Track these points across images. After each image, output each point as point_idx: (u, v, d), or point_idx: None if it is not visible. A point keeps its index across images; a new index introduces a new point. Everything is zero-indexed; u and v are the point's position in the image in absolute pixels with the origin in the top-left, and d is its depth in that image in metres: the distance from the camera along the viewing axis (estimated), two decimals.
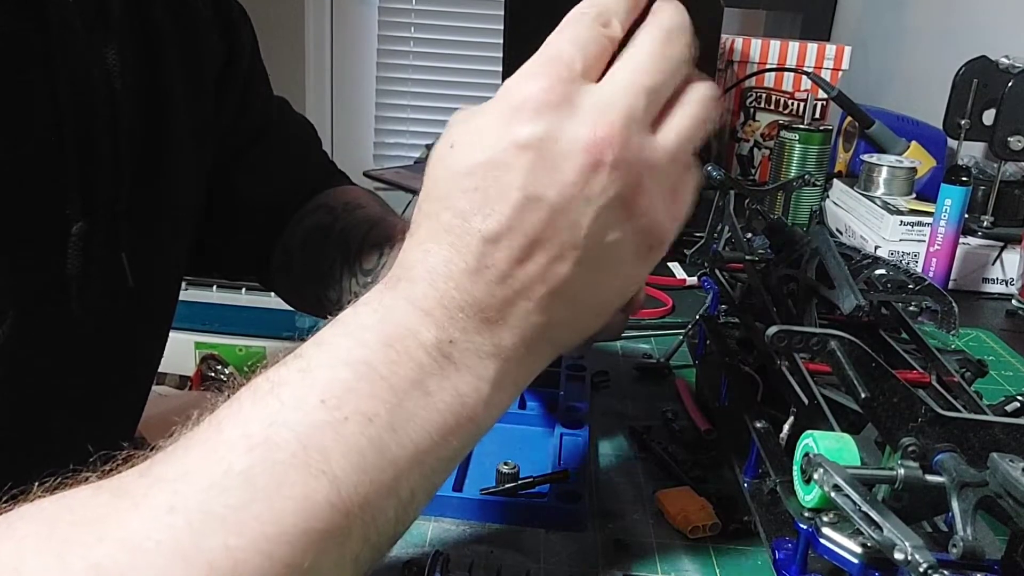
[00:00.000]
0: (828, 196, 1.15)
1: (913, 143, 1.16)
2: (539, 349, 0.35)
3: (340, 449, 0.31)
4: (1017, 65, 0.95)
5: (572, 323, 0.36)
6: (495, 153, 0.32)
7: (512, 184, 0.32)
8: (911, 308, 0.57)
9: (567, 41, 0.34)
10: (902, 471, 0.37)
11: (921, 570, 0.31)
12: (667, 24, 0.36)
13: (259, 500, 0.29)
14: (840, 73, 1.32)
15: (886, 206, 1.00)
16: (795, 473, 0.39)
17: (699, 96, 0.36)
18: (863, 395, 0.38)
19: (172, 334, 0.68)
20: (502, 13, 1.35)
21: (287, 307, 0.81)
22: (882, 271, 0.58)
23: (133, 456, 0.32)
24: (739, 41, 1.34)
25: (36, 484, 0.31)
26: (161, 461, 0.31)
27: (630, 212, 0.34)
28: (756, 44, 1.34)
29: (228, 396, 0.33)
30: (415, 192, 1.20)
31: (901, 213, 0.97)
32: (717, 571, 0.47)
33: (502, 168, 0.32)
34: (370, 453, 0.31)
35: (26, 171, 0.47)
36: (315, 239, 0.72)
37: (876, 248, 0.97)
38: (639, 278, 0.37)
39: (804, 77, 1.28)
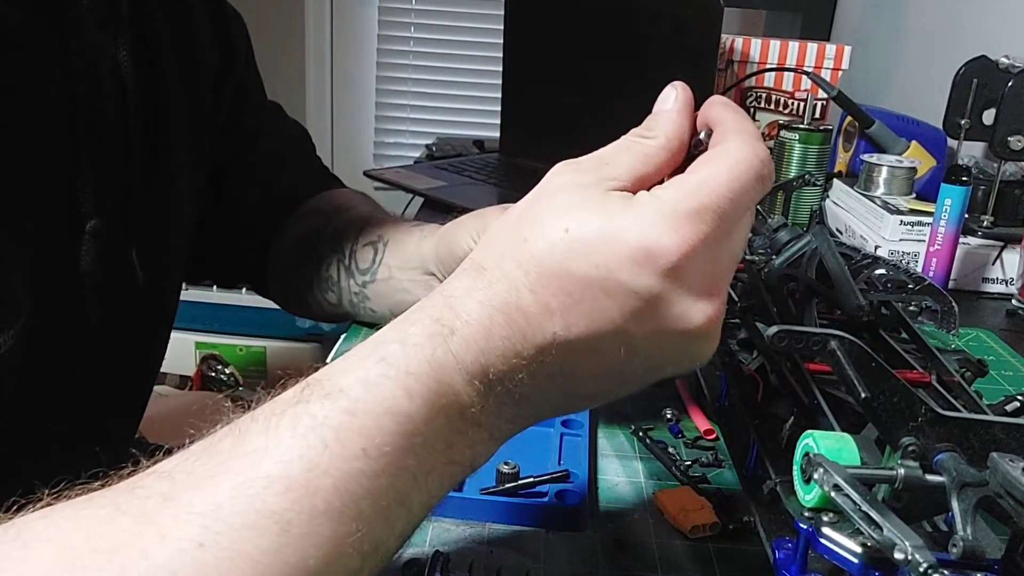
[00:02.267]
0: (828, 196, 1.15)
1: (913, 143, 1.16)
2: (550, 416, 0.38)
3: (371, 500, 0.31)
4: (1017, 65, 0.95)
5: (587, 408, 0.40)
6: (607, 279, 0.33)
7: (608, 315, 0.33)
8: (911, 308, 0.56)
9: (731, 195, 0.34)
10: (902, 471, 0.37)
11: (921, 570, 0.31)
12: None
13: (291, 545, 0.29)
14: (840, 73, 1.32)
15: (886, 206, 1.00)
16: (795, 473, 0.39)
17: None
18: (863, 395, 0.38)
19: (172, 334, 0.68)
20: (502, 13, 1.35)
21: None
22: (882, 271, 0.58)
23: (140, 467, 0.31)
24: (739, 41, 1.34)
25: (46, 492, 0.30)
26: (186, 486, 0.30)
27: (701, 358, 0.36)
28: (756, 44, 1.34)
29: (253, 408, 0.32)
30: (415, 192, 1.21)
31: (901, 213, 0.97)
32: (717, 571, 0.47)
33: (607, 295, 0.33)
34: (394, 503, 0.32)
35: (43, 169, 0.48)
36: (308, 244, 0.72)
37: (876, 248, 0.97)
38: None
39: (804, 77, 1.28)
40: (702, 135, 0.38)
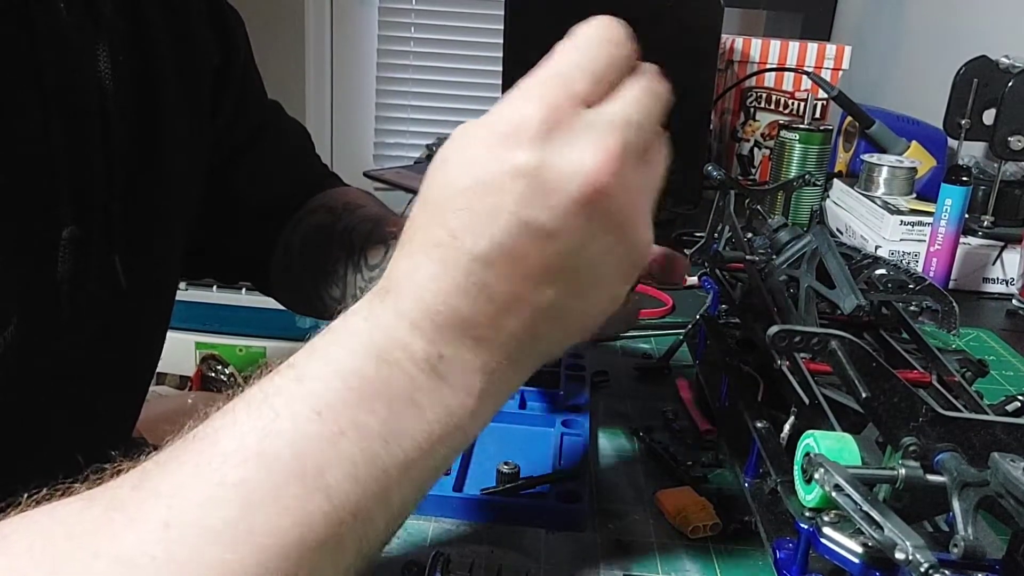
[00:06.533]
0: (828, 196, 1.15)
1: (913, 143, 1.16)
2: (523, 363, 0.36)
3: (335, 462, 0.31)
4: (1017, 65, 0.95)
5: (556, 339, 0.37)
6: (489, 175, 0.32)
7: (504, 207, 0.32)
8: (911, 308, 0.56)
9: (571, 61, 0.34)
10: (903, 471, 0.37)
11: (922, 570, 0.31)
12: (654, 68, 0.36)
13: (255, 513, 0.29)
14: (840, 73, 1.32)
15: (886, 206, 1.00)
16: (796, 473, 0.39)
17: (664, 140, 0.37)
18: (864, 395, 0.38)
19: (172, 334, 0.68)
20: (502, 13, 1.35)
21: None
22: (882, 271, 0.58)
23: (122, 467, 0.32)
24: (739, 41, 1.34)
25: (25, 496, 0.31)
26: (154, 474, 0.31)
27: (622, 238, 0.34)
28: (756, 44, 1.34)
29: (220, 406, 0.33)
30: (415, 192, 1.20)
31: (901, 213, 0.97)
32: (717, 571, 0.47)
33: (495, 190, 0.32)
34: (363, 466, 0.31)
35: (14, 175, 0.47)
36: (316, 239, 0.72)
37: (876, 248, 0.97)
38: (622, 294, 0.38)
39: (804, 77, 1.28)
40: None
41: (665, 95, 0.36)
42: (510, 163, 0.32)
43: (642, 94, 0.35)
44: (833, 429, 0.41)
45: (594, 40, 0.35)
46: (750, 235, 0.66)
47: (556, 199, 0.32)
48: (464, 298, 0.33)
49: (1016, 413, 0.48)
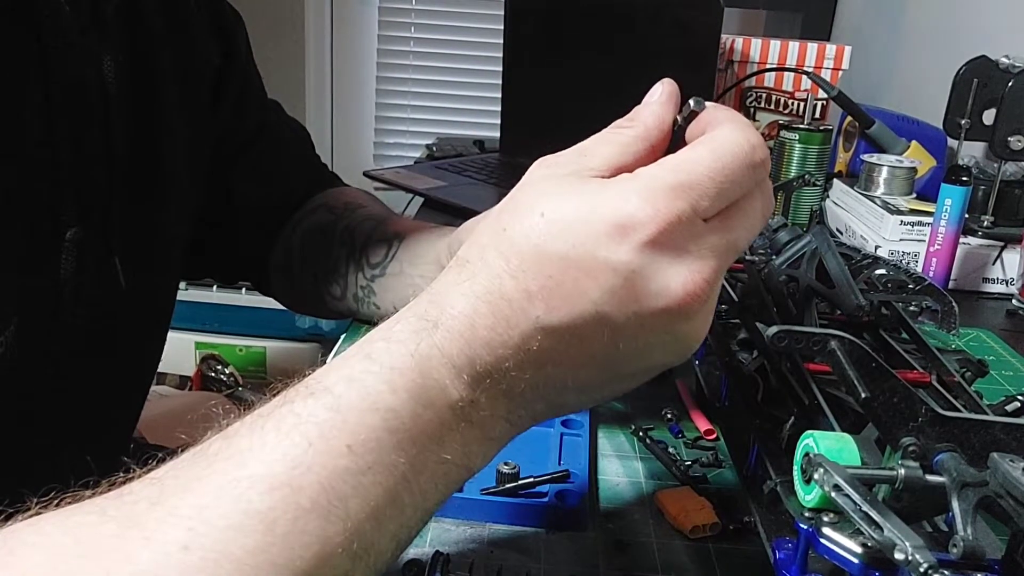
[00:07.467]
0: (828, 196, 1.15)
1: (913, 143, 1.16)
2: (544, 416, 0.37)
3: (358, 498, 0.31)
4: (1017, 65, 0.95)
5: (586, 401, 0.38)
6: (584, 257, 0.32)
7: (588, 294, 0.32)
8: (911, 308, 0.56)
9: (706, 175, 0.33)
10: (902, 471, 0.37)
11: (922, 570, 0.31)
12: (769, 191, 0.36)
13: (277, 544, 0.29)
14: (840, 73, 1.32)
15: (886, 206, 1.00)
16: (795, 473, 0.39)
17: None
18: (863, 395, 0.38)
19: (172, 334, 0.68)
20: (502, 13, 1.35)
21: None
22: (882, 271, 0.58)
23: (132, 475, 0.31)
24: (739, 41, 1.34)
25: (35, 501, 0.30)
26: (173, 490, 0.30)
27: (684, 343, 0.35)
28: (756, 44, 1.34)
29: (240, 415, 0.32)
30: (415, 192, 1.20)
31: (901, 213, 0.97)
32: (717, 571, 0.47)
33: (585, 274, 0.32)
34: (384, 502, 0.31)
35: (21, 178, 0.47)
36: (316, 238, 0.72)
37: (876, 248, 0.97)
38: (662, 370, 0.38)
39: (804, 77, 1.28)
40: (679, 118, 0.37)
41: (772, 207, 0.36)
42: (610, 258, 0.32)
43: (757, 217, 0.35)
44: (832, 429, 0.41)
45: (738, 160, 0.34)
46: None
47: (639, 307, 0.33)
48: (514, 359, 0.33)
49: (1016, 413, 0.48)
